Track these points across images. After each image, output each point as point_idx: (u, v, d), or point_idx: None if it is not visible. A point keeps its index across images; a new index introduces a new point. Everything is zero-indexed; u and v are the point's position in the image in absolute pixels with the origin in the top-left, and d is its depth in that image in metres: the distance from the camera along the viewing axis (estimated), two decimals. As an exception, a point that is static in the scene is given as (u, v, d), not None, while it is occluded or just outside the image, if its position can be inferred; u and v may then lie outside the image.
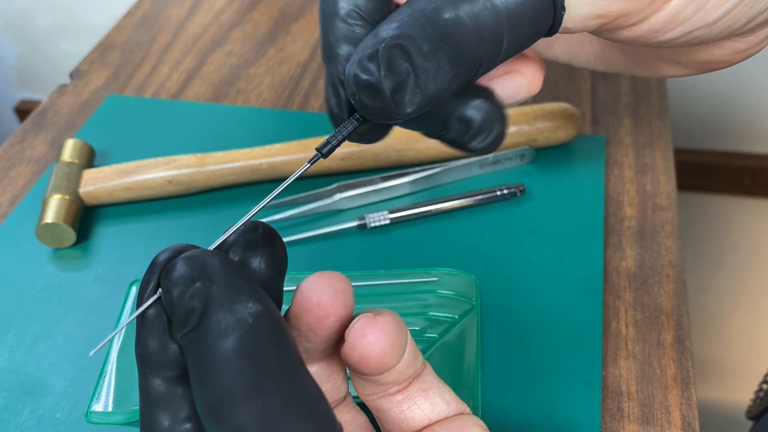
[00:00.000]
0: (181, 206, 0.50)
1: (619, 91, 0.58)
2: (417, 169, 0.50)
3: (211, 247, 0.22)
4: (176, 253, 0.22)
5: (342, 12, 0.23)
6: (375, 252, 0.46)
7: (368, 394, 0.26)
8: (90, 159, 0.52)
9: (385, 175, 0.50)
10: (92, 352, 0.23)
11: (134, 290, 0.44)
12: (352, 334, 0.23)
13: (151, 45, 0.67)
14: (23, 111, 1.22)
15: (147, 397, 0.22)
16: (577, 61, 0.33)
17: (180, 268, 0.21)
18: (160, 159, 0.50)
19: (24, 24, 1.11)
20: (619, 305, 0.43)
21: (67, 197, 0.48)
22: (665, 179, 0.51)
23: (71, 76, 0.64)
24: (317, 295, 0.23)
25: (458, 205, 0.48)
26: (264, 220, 0.48)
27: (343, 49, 0.23)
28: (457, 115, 0.23)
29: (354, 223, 0.48)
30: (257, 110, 0.58)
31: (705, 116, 0.86)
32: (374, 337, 0.23)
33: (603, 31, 0.24)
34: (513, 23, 0.21)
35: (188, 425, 0.22)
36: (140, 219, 0.50)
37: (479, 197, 0.48)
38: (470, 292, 0.42)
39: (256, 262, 0.23)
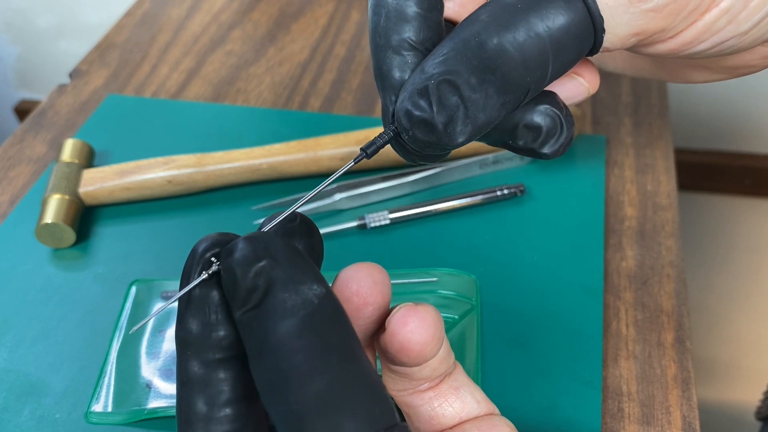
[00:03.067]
0: (181, 206, 0.50)
1: (619, 91, 0.58)
2: (417, 169, 0.50)
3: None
4: (214, 243, 0.23)
5: (394, 43, 0.23)
6: (375, 252, 0.46)
7: (399, 390, 0.27)
8: (90, 159, 0.52)
9: (385, 175, 0.50)
10: (132, 330, 0.23)
11: (134, 290, 0.44)
12: (394, 322, 0.24)
13: (151, 45, 0.67)
14: (23, 111, 1.22)
15: (186, 381, 0.23)
16: (606, 67, 0.33)
17: (243, 247, 0.21)
18: (159, 159, 0.50)
19: (24, 24, 1.11)
20: (620, 305, 0.43)
21: (67, 197, 0.48)
22: (666, 179, 0.51)
23: (71, 76, 0.64)
24: (357, 284, 0.23)
25: (458, 205, 0.48)
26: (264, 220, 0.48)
27: (397, 78, 0.23)
28: (524, 123, 0.23)
29: (354, 223, 0.47)
30: (257, 110, 0.58)
31: (705, 116, 0.86)
32: (415, 326, 0.24)
33: (638, 47, 0.24)
34: (557, 49, 0.22)
35: (228, 410, 0.22)
36: (140, 219, 0.50)
37: (479, 197, 0.48)
38: (470, 292, 0.42)
39: None
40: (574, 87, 0.25)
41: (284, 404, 0.19)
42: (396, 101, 0.23)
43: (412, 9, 0.23)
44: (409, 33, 0.23)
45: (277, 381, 0.20)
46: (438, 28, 0.24)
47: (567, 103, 0.25)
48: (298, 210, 0.24)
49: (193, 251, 0.23)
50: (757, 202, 0.92)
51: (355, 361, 0.20)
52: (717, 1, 0.23)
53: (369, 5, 0.24)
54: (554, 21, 0.21)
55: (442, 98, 0.21)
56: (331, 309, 0.21)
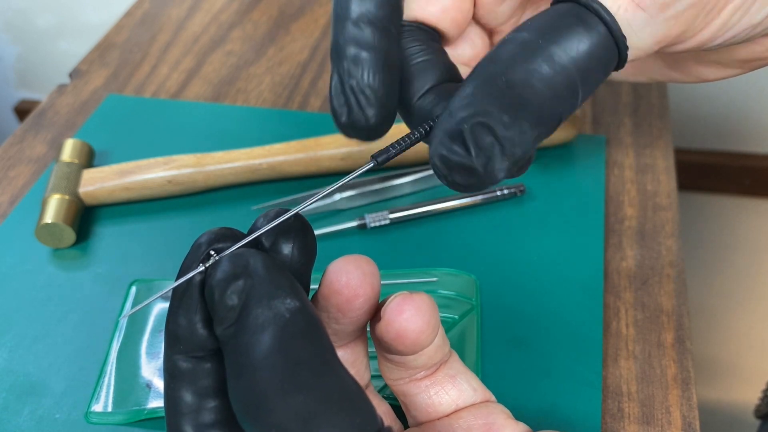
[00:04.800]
0: (180, 206, 0.50)
1: (619, 91, 0.58)
2: (417, 169, 0.50)
3: (248, 239, 0.23)
4: (216, 236, 0.23)
5: (353, 15, 0.23)
6: (375, 252, 0.46)
7: (396, 379, 0.27)
8: (89, 159, 0.52)
9: (385, 175, 0.50)
10: (124, 315, 0.23)
11: (134, 290, 0.44)
12: (389, 310, 0.24)
13: (151, 45, 0.67)
14: (23, 111, 1.22)
15: (176, 374, 0.23)
16: (616, 77, 0.33)
17: (224, 265, 0.21)
18: (159, 159, 0.50)
19: (24, 24, 1.11)
20: (620, 305, 0.43)
21: (67, 197, 0.48)
22: (666, 179, 0.51)
23: (71, 76, 0.64)
24: (346, 276, 0.24)
25: (458, 205, 0.48)
26: (264, 220, 0.48)
27: (351, 51, 0.23)
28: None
29: (354, 223, 0.47)
30: (257, 110, 0.58)
31: (705, 116, 0.86)
32: (411, 314, 0.24)
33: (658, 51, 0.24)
34: (584, 75, 0.22)
35: (216, 401, 0.23)
36: (140, 219, 0.50)
37: (479, 197, 0.48)
38: (470, 292, 0.42)
39: (288, 249, 0.23)
40: None
41: (262, 426, 0.19)
42: (345, 73, 0.23)
43: None
44: (369, 7, 0.23)
45: (252, 402, 0.19)
46: (398, 9, 0.24)
47: None
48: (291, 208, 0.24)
49: (196, 244, 0.23)
50: (757, 202, 0.92)
51: (330, 373, 0.20)
52: None
53: None
54: (578, 50, 0.21)
55: (478, 141, 0.21)
56: (303, 322, 0.20)
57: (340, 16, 0.23)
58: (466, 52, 0.28)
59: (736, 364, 1.11)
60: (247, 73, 0.63)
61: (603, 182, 0.50)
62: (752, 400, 0.89)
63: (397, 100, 0.24)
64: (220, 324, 0.21)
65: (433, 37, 0.26)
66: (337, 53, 0.24)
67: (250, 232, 0.23)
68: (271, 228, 0.23)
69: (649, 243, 0.46)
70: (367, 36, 0.23)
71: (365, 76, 0.23)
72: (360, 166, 0.24)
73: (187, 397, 0.22)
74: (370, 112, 0.23)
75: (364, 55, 0.23)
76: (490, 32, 0.29)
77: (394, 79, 0.24)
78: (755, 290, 1.02)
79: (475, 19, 0.28)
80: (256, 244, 0.23)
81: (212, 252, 0.22)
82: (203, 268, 0.22)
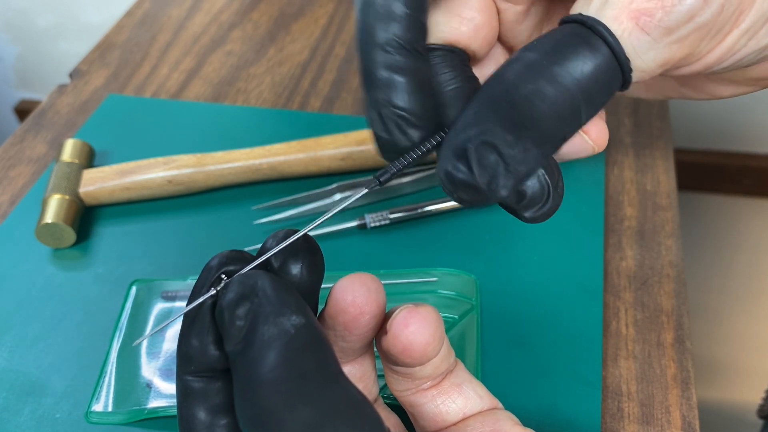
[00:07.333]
0: (181, 206, 0.50)
1: (619, 91, 0.58)
2: (417, 169, 0.50)
3: (259, 261, 0.23)
4: (226, 259, 0.23)
5: (381, 40, 0.23)
6: (375, 252, 0.46)
7: (402, 390, 0.27)
8: (90, 159, 0.52)
9: (385, 175, 0.50)
10: (135, 343, 0.24)
11: (134, 290, 0.44)
12: (396, 324, 0.24)
13: (151, 45, 0.67)
14: (23, 111, 1.22)
15: (189, 393, 0.23)
16: (630, 94, 0.33)
17: (233, 287, 0.22)
18: (159, 159, 0.50)
19: (24, 24, 1.11)
20: (619, 305, 0.43)
21: (67, 197, 0.48)
22: (665, 179, 0.51)
23: (71, 76, 0.64)
24: (352, 294, 0.24)
25: (458, 205, 0.48)
26: (264, 220, 0.48)
27: (383, 75, 0.23)
28: None
29: (354, 223, 0.47)
30: (257, 110, 0.58)
31: (705, 116, 0.86)
32: (417, 327, 0.24)
33: (663, 73, 0.24)
34: (587, 97, 0.22)
35: (228, 418, 0.23)
36: (140, 219, 0.50)
37: (479, 197, 0.48)
38: (470, 292, 0.42)
39: (297, 269, 0.24)
40: (579, 143, 0.25)
41: None
42: (381, 100, 0.23)
43: (400, 8, 0.23)
44: (397, 31, 0.23)
45: (259, 416, 0.20)
46: (423, 30, 0.24)
47: (569, 158, 0.25)
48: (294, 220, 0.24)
49: (207, 267, 0.23)
50: (757, 202, 0.92)
51: (336, 385, 0.20)
52: (738, 22, 0.23)
53: (356, 6, 0.24)
54: (581, 71, 0.21)
55: (481, 159, 0.21)
56: (308, 336, 0.21)
57: (366, 41, 0.23)
58: (492, 71, 0.29)
59: (736, 364, 1.11)
60: (247, 73, 0.63)
61: (603, 182, 0.50)
62: (752, 400, 0.89)
63: (435, 118, 0.24)
64: (230, 342, 0.22)
65: (462, 59, 0.26)
66: (368, 81, 0.24)
67: (260, 254, 0.24)
68: (280, 249, 0.23)
69: (648, 243, 0.46)
70: (397, 60, 0.23)
71: (402, 99, 0.23)
72: (366, 171, 0.24)
73: (201, 414, 0.23)
74: (414, 133, 0.23)
75: (398, 78, 0.23)
76: (510, 50, 0.29)
77: (430, 98, 0.24)
78: (755, 290, 1.02)
79: (498, 39, 0.28)
80: (265, 265, 0.24)
81: (223, 276, 0.23)
82: (214, 291, 0.23)
